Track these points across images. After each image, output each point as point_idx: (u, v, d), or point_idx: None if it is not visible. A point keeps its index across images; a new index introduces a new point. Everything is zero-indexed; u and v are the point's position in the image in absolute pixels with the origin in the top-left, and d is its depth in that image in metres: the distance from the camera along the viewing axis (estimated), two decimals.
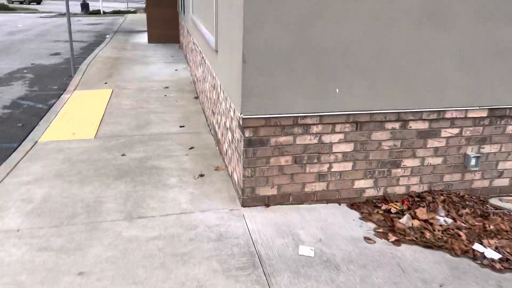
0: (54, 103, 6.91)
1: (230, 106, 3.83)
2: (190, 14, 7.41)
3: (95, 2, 35.86)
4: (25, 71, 9.51)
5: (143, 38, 14.17)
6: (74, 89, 7.68)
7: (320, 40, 3.16)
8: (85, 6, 29.51)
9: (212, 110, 5.31)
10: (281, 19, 3.05)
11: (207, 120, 6.07)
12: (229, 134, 3.99)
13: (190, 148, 5.05)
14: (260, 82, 3.18)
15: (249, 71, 3.13)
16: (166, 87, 7.93)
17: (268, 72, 3.17)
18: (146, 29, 16.43)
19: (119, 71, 9.09)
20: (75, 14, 27.55)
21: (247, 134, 3.31)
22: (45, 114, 6.32)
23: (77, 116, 6.16)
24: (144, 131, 5.63)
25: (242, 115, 3.25)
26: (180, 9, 12.26)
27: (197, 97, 7.29)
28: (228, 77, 3.82)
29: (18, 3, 37.64)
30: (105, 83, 8.12)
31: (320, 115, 3.38)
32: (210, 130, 5.69)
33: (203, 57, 6.11)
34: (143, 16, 23.78)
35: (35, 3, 39.46)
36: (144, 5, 42.35)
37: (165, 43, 13.13)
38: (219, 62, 4.35)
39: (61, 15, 27.55)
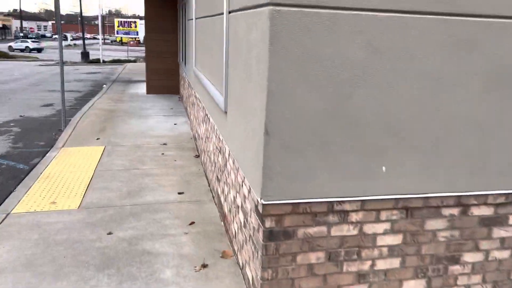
0: (38, 162, 6.16)
1: (243, 182, 3.10)
2: (193, 67, 6.86)
3: (95, 51, 36.15)
4: (12, 124, 8.84)
5: (142, 88, 13.70)
6: (62, 146, 6.96)
7: (363, 108, 2.48)
8: (85, 55, 29.58)
9: (217, 176, 4.57)
10: (316, 83, 2.39)
11: (209, 185, 5.32)
12: (241, 215, 3.22)
13: (190, 224, 4.25)
14: (286, 159, 2.46)
15: (273, 145, 2.42)
16: (164, 144, 7.23)
17: (297, 147, 2.46)
18: (144, 79, 16.06)
19: (114, 124, 8.43)
20: (75, 63, 27.50)
21: (268, 225, 2.55)
22: (24, 177, 5.55)
23: (61, 179, 5.39)
24: (136, 199, 4.85)
25: (262, 200, 2.50)
26: (181, 60, 11.85)
27: (198, 156, 6.58)
28: (241, 147, 3.11)
29: (19, 51, 37.88)
30: (97, 138, 7.42)
31: (361, 200, 2.63)
32: (214, 197, 4.92)
33: (207, 115, 5.45)
34: (142, 66, 23.63)
35: (36, 52, 39.79)
36: (143, 54, 42.91)
37: (165, 94, 12.62)
38: (228, 125, 3.66)
39: None
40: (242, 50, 2.99)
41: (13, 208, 4.51)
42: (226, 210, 4.00)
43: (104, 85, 14.84)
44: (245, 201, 3.05)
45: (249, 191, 2.86)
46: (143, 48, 54.82)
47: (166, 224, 4.24)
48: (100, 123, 8.52)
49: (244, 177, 3.03)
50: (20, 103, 11.25)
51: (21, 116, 9.60)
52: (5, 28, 77.21)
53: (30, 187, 5.14)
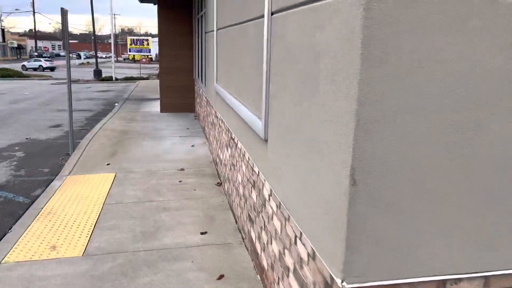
0: (39, 194, 5.42)
1: (298, 238, 2.27)
2: (213, 84, 6.10)
3: (108, 69, 35.96)
4: (17, 148, 8.16)
5: (155, 106, 13.03)
6: (69, 173, 6.23)
7: (497, 145, 1.65)
8: (97, 73, 29.28)
9: (249, 214, 3.75)
10: (433, 107, 1.57)
11: (236, 222, 4.50)
12: (294, 283, 2.38)
13: (219, 278, 3.42)
14: (384, 221, 1.63)
15: (364, 201, 1.60)
16: (181, 169, 6.45)
17: (400, 204, 1.63)
18: (158, 97, 15.44)
19: (126, 147, 7.69)
20: (87, 81, 27.17)
21: None
22: (23, 213, 4.80)
23: (65, 216, 4.63)
24: (152, 242, 4.05)
25: (345, 283, 1.66)
26: (197, 76, 11.17)
27: (220, 184, 5.77)
28: (295, 190, 2.29)
29: (32, 70, 37.93)
30: (108, 164, 6.68)
31: (485, 276, 1.78)
32: (244, 239, 4.09)
33: (232, 138, 4.67)
34: (155, 83, 23.14)
35: (49, 70, 39.81)
36: (157, 71, 42.54)
37: (179, 112, 11.92)
38: (270, 158, 2.85)
39: (73, 81, 27.18)
40: (296, 60, 2.20)
41: (4, 257, 3.73)
42: (265, 263, 3.16)
43: (116, 104, 14.22)
44: (302, 267, 2.22)
45: (313, 258, 2.03)
46: (156, 65, 54.94)
47: (189, 278, 3.41)
48: (111, 146, 7.80)
49: (301, 233, 2.21)
50: (28, 124, 10.63)
51: (27, 138, 8.94)
52: (21, 47, 78.38)
53: (28, 226, 4.37)
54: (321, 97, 1.85)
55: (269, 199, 2.95)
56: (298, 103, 2.18)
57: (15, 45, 76.26)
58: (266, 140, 2.94)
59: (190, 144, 8.01)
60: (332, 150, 1.73)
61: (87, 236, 4.16)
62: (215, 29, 5.86)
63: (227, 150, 5.16)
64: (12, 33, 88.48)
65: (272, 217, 2.88)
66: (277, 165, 2.67)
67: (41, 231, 4.26)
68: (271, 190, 2.87)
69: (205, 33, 7.64)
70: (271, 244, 2.92)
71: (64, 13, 7.03)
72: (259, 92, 3.07)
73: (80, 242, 4.03)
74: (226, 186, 5.31)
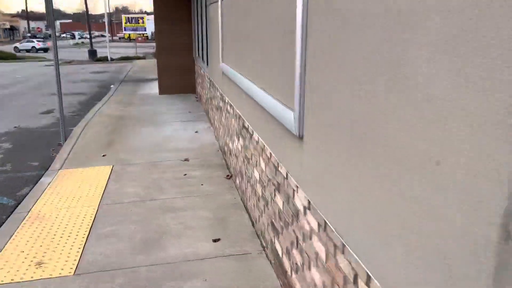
0: (27, 194, 4.78)
1: (358, 277, 1.64)
2: (220, 63, 5.38)
3: (103, 49, 34.90)
4: (3, 138, 7.48)
5: (153, 88, 12.28)
6: (60, 167, 5.58)
7: None
8: (92, 53, 28.33)
9: (272, 222, 3.12)
10: None
11: (253, 225, 3.88)
12: None
13: None
14: None
15: None
16: (186, 160, 5.80)
17: None
18: (156, 77, 14.65)
19: (123, 135, 7.02)
20: (81, 62, 26.26)
21: None
22: (6, 219, 4.17)
23: (55, 221, 4.00)
24: (155, 253, 3.43)
25: None
26: (197, 55, 10.40)
27: (230, 177, 5.13)
28: (365, 221, 1.64)
29: (25, 51, 36.88)
30: (103, 155, 6.02)
31: None
32: (264, 249, 3.47)
33: (246, 127, 3.99)
34: (152, 62, 22.26)
35: (42, 51, 38.72)
36: (153, 50, 41.39)
37: (180, 94, 11.20)
38: (308, 161, 2.19)
39: (67, 62, 26.28)
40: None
41: None
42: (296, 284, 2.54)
43: (112, 86, 13.47)
44: None
45: None
46: (152, 44, 53.58)
47: None
48: (107, 134, 7.12)
49: (369, 275, 1.57)
50: (18, 110, 9.92)
51: (15, 127, 8.25)
52: (13, 29, 76.67)
53: (11, 236, 3.75)
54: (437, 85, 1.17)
55: (305, 212, 2.30)
56: (372, 91, 1.50)
57: (8, 27, 74.60)
58: (300, 138, 2.27)
59: (194, 130, 7.33)
60: (456, 173, 1.06)
61: (80, 247, 3.54)
62: None
63: (238, 140, 4.49)
64: (4, 14, 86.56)
65: (310, 237, 2.24)
66: (321, 173, 2.01)
67: (26, 241, 3.64)
68: (309, 203, 2.22)
69: (209, 4, 6.85)
70: (310, 270, 2.29)
71: None
72: (289, 75, 2.38)
73: (72, 255, 3.41)
74: (238, 181, 4.67)
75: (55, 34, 6.50)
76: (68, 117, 9.07)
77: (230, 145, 5.14)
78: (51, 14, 6.32)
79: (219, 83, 5.87)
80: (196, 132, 7.22)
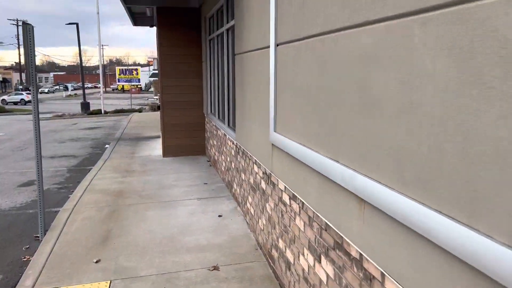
0: None
1: None
2: (270, 132, 3.74)
3: (97, 100, 33.59)
4: None
5: (155, 149, 10.63)
6: (33, 285, 3.77)
7: None
8: (85, 106, 26.92)
9: None
10: None
11: None
12: None
13: None
14: None
15: None
16: (215, 269, 4.03)
17: None
18: (157, 134, 13.08)
19: (123, 224, 5.25)
20: (73, 115, 24.74)
21: None
22: None
23: None
24: None
25: None
26: (209, 111, 8.86)
27: None
28: None
29: (12, 104, 35.48)
30: (97, 261, 4.23)
31: None
32: None
33: (338, 243, 2.28)
34: (150, 116, 20.80)
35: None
36: (147, 101, 40.09)
37: (187, 156, 9.54)
38: None
39: (58, 116, 24.75)
40: None
41: None
42: None
43: (107, 146, 11.80)
44: None
45: None
46: (146, 95, 52.73)
47: None
48: (101, 221, 5.34)
49: None
50: None
51: None
52: (6, 81, 76.04)
53: None
54: None
55: None
56: None
57: (0, 79, 74.00)
58: None
59: (217, 213, 5.59)
60: None
61: None
62: (272, 44, 3.56)
63: (314, 255, 2.78)
64: None
65: None
66: None
67: None
68: None
69: (237, 54, 5.36)
70: None
71: (28, 30, 4.71)
72: None
73: None
74: None
75: (37, 91, 4.90)
76: (52, 191, 7.30)
77: (285, 249, 3.41)
78: (33, 60, 4.75)
79: (263, 157, 4.22)
80: (220, 216, 5.47)
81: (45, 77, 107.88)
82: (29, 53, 4.75)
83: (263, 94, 4.05)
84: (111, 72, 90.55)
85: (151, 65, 69.11)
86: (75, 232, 4.98)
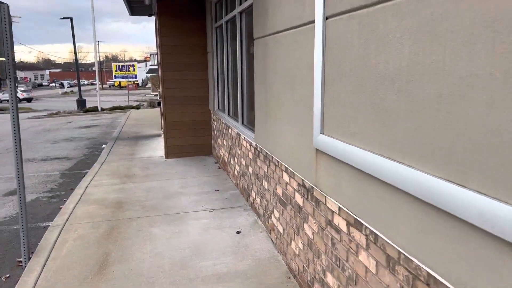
0: None
1: None
2: (315, 134, 2.87)
3: (93, 97, 32.65)
4: None
5: (157, 149, 9.75)
6: None
7: None
8: (81, 103, 26.00)
9: None
10: None
11: None
12: None
13: None
14: None
15: None
16: None
17: None
18: (157, 132, 12.18)
19: (124, 245, 4.38)
20: (69, 113, 23.81)
21: None
22: None
23: None
24: None
25: None
26: (217, 107, 8.00)
27: None
28: None
29: (6, 102, 34.52)
30: None
31: None
32: None
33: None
34: (148, 113, 19.90)
35: (26, 102, 36.41)
36: (145, 97, 38.98)
37: (192, 156, 8.67)
38: None
39: (53, 114, 23.83)
40: None
41: None
42: None
43: (104, 146, 10.92)
44: None
45: None
46: (143, 91, 51.56)
47: None
48: (97, 242, 4.47)
49: None
50: None
51: None
52: (1, 79, 74.89)
53: None
54: None
55: None
56: None
57: None
58: None
59: (233, 228, 4.72)
60: None
61: None
62: (318, 17, 2.68)
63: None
64: None
65: None
66: None
67: None
68: None
69: (254, 40, 4.48)
70: None
71: (3, 10, 3.81)
72: None
73: None
74: None
75: (14, 85, 4.02)
76: (42, 201, 6.43)
77: (327, 279, 2.55)
78: (8, 56, 3.86)
79: (298, 164, 3.35)
80: (238, 232, 4.61)
81: (41, 74, 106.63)
82: (4, 39, 3.86)
83: (300, 85, 3.17)
84: (107, 69, 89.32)
85: (148, 61, 67.97)
86: (66, 256, 4.11)
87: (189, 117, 8.65)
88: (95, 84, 36.11)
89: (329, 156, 2.69)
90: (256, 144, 4.79)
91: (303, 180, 3.25)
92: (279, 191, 3.97)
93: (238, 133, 5.86)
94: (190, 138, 8.71)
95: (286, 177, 3.72)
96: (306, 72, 3.02)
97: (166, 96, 8.47)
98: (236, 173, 6.21)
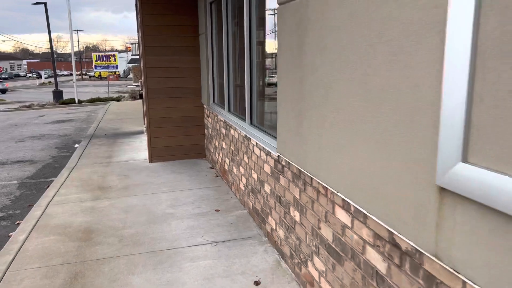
0: None
1: None
2: (446, 159, 1.50)
3: (71, 88, 30.72)
4: None
5: (139, 150, 8.29)
6: None
7: None
8: (57, 95, 24.12)
9: None
10: None
11: None
12: None
13: None
14: None
15: None
16: None
17: None
18: (140, 129, 10.68)
19: None
20: (43, 106, 21.98)
21: None
22: None
23: None
24: None
25: None
26: (212, 100, 6.59)
27: None
28: None
29: None
30: None
31: None
32: None
33: None
34: (130, 105, 18.29)
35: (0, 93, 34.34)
36: (126, 88, 36.86)
37: (181, 159, 7.25)
38: None
39: (25, 107, 21.99)
40: None
41: None
42: None
43: (77, 145, 9.39)
44: None
45: None
46: (124, 82, 49.59)
47: None
48: None
49: None
50: None
51: None
52: None
53: None
54: None
55: None
56: None
57: None
58: None
59: (248, 275, 3.34)
60: None
61: None
62: None
63: None
64: None
65: None
66: None
67: None
68: None
69: (280, 4, 3.07)
70: None
71: None
72: None
73: None
74: None
75: None
76: None
77: None
78: None
79: (387, 208, 1.99)
80: (256, 284, 3.23)
81: (18, 65, 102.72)
82: None
83: (414, 75, 1.79)
84: (87, 59, 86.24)
85: (129, 50, 65.52)
86: None
87: (178, 113, 7.20)
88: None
89: (480, 205, 1.34)
90: (279, 155, 3.40)
91: (398, 235, 1.88)
92: (326, 233, 2.60)
93: (245, 136, 4.47)
94: (179, 138, 7.27)
95: (343, 216, 2.36)
96: (425, 47, 1.63)
97: (150, 87, 6.99)
98: (242, 187, 4.82)
